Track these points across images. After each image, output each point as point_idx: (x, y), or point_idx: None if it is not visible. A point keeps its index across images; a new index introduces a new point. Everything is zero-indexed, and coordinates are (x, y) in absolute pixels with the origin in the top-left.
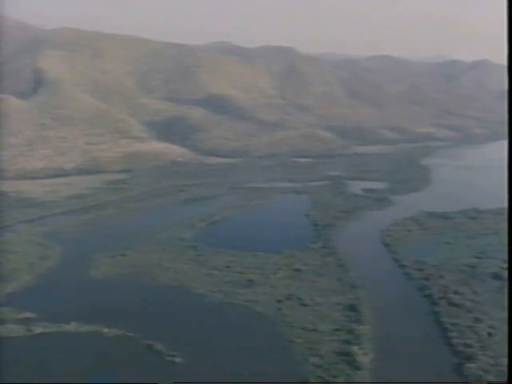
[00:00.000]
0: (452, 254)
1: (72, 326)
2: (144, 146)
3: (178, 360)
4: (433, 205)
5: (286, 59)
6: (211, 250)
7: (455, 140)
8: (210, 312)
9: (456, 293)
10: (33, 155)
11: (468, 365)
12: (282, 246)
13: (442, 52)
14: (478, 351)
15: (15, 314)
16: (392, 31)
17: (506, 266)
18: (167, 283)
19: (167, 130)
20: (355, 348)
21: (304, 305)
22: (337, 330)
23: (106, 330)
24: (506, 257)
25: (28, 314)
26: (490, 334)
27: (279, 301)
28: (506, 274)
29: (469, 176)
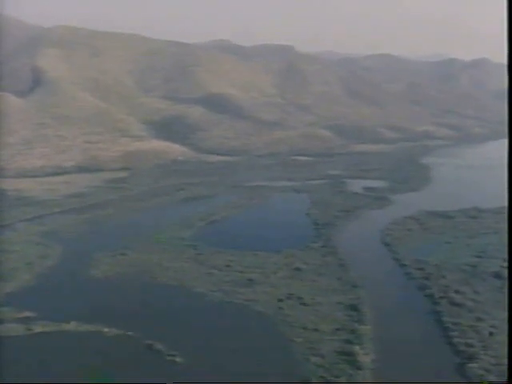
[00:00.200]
0: (452, 253)
1: (72, 326)
2: (143, 145)
3: (178, 360)
4: (433, 204)
5: (285, 58)
6: (211, 249)
7: (455, 139)
8: (210, 311)
9: (457, 292)
10: (32, 154)
11: (470, 365)
12: (282, 245)
13: (441, 51)
14: (479, 351)
15: (15, 313)
16: (391, 30)
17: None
18: (167, 282)
19: (166, 128)
20: (356, 348)
21: (304, 304)
22: (338, 329)
23: (105, 330)
24: (506, 256)
25: (28, 314)
26: (491, 334)
27: (280, 300)
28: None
29: (469, 175)
